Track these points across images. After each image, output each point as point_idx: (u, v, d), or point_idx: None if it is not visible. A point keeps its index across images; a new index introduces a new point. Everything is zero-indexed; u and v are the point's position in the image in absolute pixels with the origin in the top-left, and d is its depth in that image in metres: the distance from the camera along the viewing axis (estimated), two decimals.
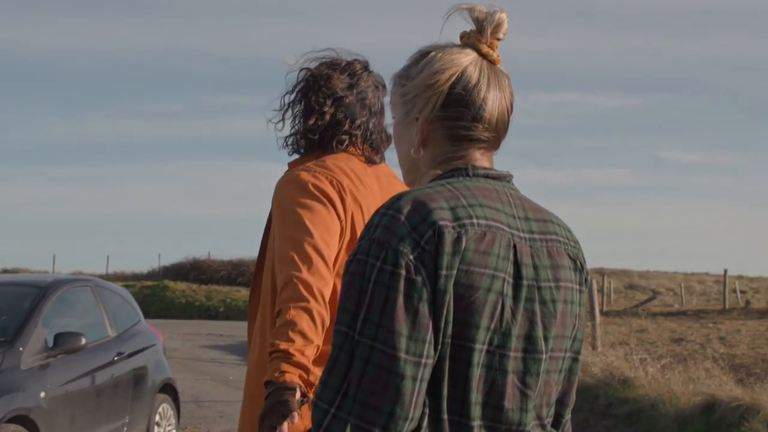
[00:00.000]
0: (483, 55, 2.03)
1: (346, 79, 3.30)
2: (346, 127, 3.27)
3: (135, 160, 67.17)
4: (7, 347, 7.67)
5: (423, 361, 1.80)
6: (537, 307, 1.93)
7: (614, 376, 12.29)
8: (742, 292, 40.48)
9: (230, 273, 45.96)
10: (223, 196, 69.08)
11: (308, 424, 2.85)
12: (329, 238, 3.04)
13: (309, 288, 2.91)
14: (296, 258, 2.95)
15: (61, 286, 8.84)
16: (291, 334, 2.85)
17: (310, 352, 2.86)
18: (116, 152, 65.46)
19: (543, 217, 2.03)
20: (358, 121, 3.28)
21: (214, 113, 65.41)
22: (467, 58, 2.02)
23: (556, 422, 2.05)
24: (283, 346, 2.83)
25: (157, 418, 9.74)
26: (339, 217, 3.09)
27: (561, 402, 2.05)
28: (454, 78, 1.99)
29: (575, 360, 2.06)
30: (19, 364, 7.60)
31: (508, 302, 1.89)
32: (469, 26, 2.05)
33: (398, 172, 3.41)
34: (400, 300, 1.80)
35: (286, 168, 3.30)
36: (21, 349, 7.72)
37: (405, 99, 2.06)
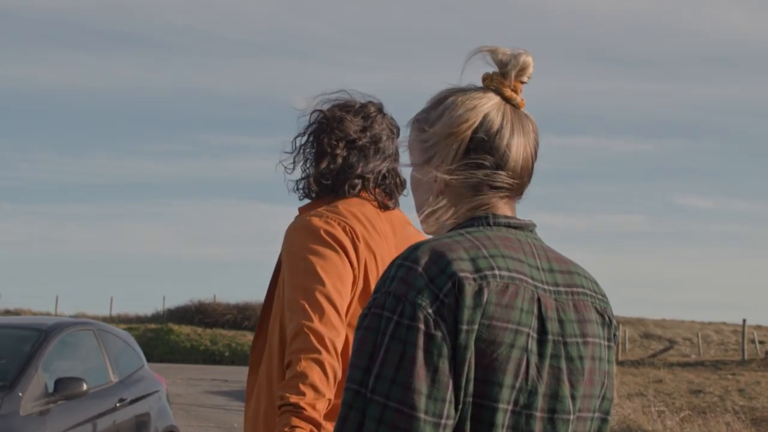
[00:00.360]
0: (506, 99, 1.98)
1: (359, 122, 3.25)
2: (359, 170, 3.21)
3: (140, 200, 67.45)
4: (6, 392, 7.61)
5: (443, 422, 1.73)
6: (563, 364, 1.86)
7: (632, 429, 12.15)
8: (761, 342, 40.24)
9: (236, 317, 45.95)
10: (229, 239, 69.21)
11: None
12: (342, 286, 2.98)
13: (321, 339, 2.85)
14: (307, 307, 2.90)
15: (62, 329, 8.79)
16: (302, 386, 2.78)
17: (322, 406, 2.80)
18: (121, 192, 65.75)
19: (568, 268, 1.97)
20: (371, 165, 3.22)
21: (220, 153, 65.73)
22: (490, 103, 1.96)
23: None
24: (293, 399, 2.77)
25: None
26: (352, 265, 3.03)
27: None
28: (476, 124, 1.94)
29: (604, 421, 1.98)
30: (18, 410, 7.53)
31: (533, 359, 1.81)
32: (492, 68, 2.00)
33: (412, 218, 3.37)
34: (420, 356, 1.73)
35: (297, 213, 3.25)
36: (20, 394, 7.65)
37: (425, 146, 2.00)
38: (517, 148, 1.95)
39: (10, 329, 8.90)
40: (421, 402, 1.71)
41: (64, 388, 7.93)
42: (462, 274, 1.77)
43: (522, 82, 2.00)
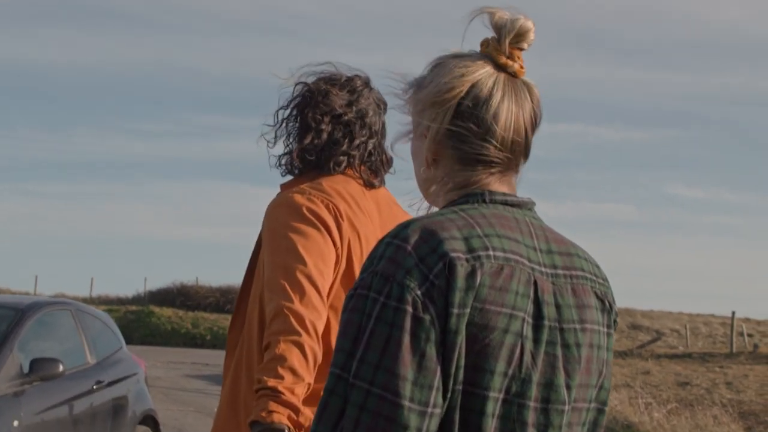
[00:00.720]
0: (500, 67, 1.89)
1: (345, 96, 3.17)
2: (345, 147, 3.13)
3: (123, 179, 67.17)
4: None
5: (429, 410, 1.65)
6: (559, 351, 1.78)
7: (618, 420, 12.15)
8: (749, 335, 40.36)
9: (218, 300, 45.88)
10: (213, 220, 69.07)
11: None
12: (324, 266, 2.90)
13: (301, 320, 2.77)
14: (288, 287, 2.82)
15: (39, 309, 8.72)
16: (280, 370, 2.71)
17: (301, 391, 2.72)
18: (104, 170, 65.43)
19: (568, 250, 1.88)
20: (357, 141, 3.14)
21: (205, 133, 65.47)
22: (480, 71, 1.87)
23: None
24: (271, 383, 2.69)
25: None
26: (335, 245, 2.96)
27: None
28: (463, 93, 1.86)
29: (601, 412, 1.90)
30: None
31: (528, 345, 1.74)
32: (491, 33, 1.91)
33: (398, 197, 3.29)
34: (406, 340, 1.65)
35: (279, 190, 3.16)
36: None
37: (416, 110, 1.93)
38: (506, 118, 1.86)
39: None
40: (407, 389, 1.64)
41: (39, 369, 7.87)
42: (454, 254, 1.70)
43: (520, 49, 1.90)
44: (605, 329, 1.89)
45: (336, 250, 2.96)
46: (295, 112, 3.17)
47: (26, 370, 7.87)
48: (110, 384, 9.13)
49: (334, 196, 3.02)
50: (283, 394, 2.68)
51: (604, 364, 1.88)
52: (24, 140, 65.37)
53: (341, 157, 3.12)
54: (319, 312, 2.83)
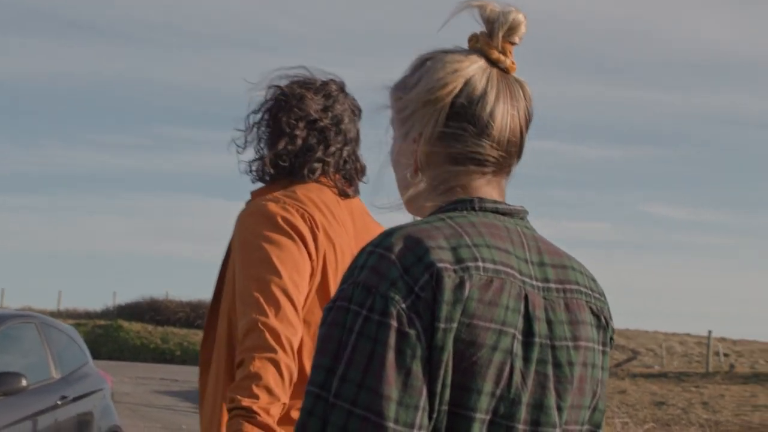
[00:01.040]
0: (493, 62, 1.79)
1: (320, 101, 3.05)
2: (319, 153, 3.01)
3: (92, 192, 66.85)
4: None
5: None
6: (550, 370, 1.68)
7: None
8: (725, 355, 40.46)
9: (188, 315, 45.73)
10: (183, 234, 68.89)
11: None
12: (299, 279, 2.79)
13: (276, 336, 2.66)
14: (262, 301, 2.70)
15: (2, 321, 8.63)
16: (255, 389, 2.59)
17: (276, 411, 2.61)
18: (73, 183, 65.12)
19: (562, 262, 1.78)
20: (332, 148, 3.03)
21: (176, 147, 65.28)
22: (473, 66, 1.78)
23: None
24: (245, 402, 2.58)
25: None
26: (310, 256, 2.84)
27: None
28: (456, 90, 1.76)
29: None
30: None
31: (518, 364, 1.63)
32: (480, 27, 1.82)
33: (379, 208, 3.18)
34: (390, 356, 1.55)
35: (249, 197, 3.05)
36: None
37: (402, 115, 1.82)
38: (502, 116, 1.77)
39: None
40: (391, 409, 1.54)
41: (2, 383, 7.83)
42: (441, 265, 1.60)
43: (512, 43, 1.81)
44: (600, 347, 1.79)
45: (311, 262, 2.85)
46: (267, 117, 3.06)
47: None
48: (75, 399, 9.03)
49: (309, 206, 2.91)
50: (258, 414, 2.58)
51: (599, 384, 1.78)
52: None
53: (315, 164, 3.01)
54: (294, 327, 2.72)
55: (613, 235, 69.15)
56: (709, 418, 18.93)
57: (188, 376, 29.30)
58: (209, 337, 3.03)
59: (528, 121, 1.82)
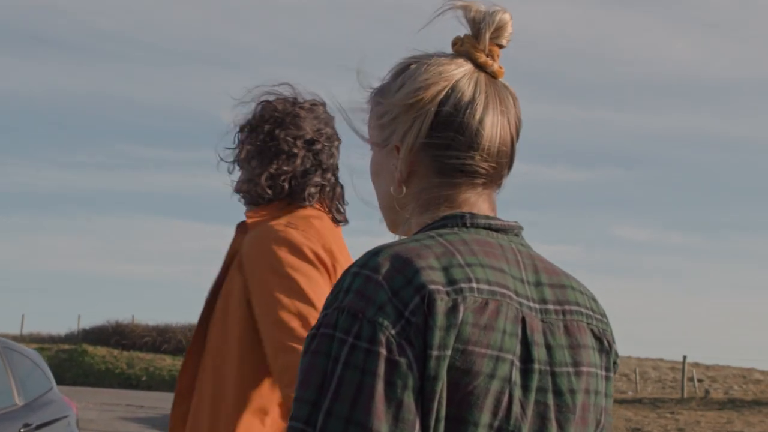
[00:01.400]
0: (480, 66, 1.70)
1: (313, 121, 2.95)
2: (317, 177, 2.91)
3: (56, 212, 66.33)
4: None
5: None
6: (551, 399, 1.58)
7: None
8: (699, 380, 40.53)
9: (155, 339, 45.44)
10: (149, 256, 68.34)
11: None
12: None
13: None
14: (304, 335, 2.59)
15: None
16: None
17: None
18: (35, 203, 64.62)
19: (560, 281, 1.68)
20: (328, 173, 2.94)
21: (141, 166, 64.87)
22: (459, 70, 1.68)
23: None
24: None
25: None
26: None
27: None
28: (442, 95, 1.66)
29: None
30: None
31: (517, 393, 1.54)
32: (464, 30, 1.73)
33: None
34: (380, 388, 1.45)
35: (245, 219, 2.93)
36: None
37: (382, 122, 1.72)
38: (492, 124, 1.67)
39: None
40: None
41: None
42: (433, 287, 1.50)
43: (500, 46, 1.72)
44: (603, 372, 1.70)
45: None
46: (262, 134, 2.94)
47: None
48: (39, 427, 8.86)
49: (328, 237, 2.84)
50: None
51: (603, 412, 1.69)
52: None
53: (314, 189, 2.91)
54: None
55: (583, 259, 69.19)
56: None
57: (155, 402, 29.11)
58: (191, 364, 2.91)
59: (518, 129, 1.73)
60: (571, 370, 1.62)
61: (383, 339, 1.46)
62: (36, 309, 75.11)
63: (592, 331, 1.69)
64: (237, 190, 2.98)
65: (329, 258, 2.79)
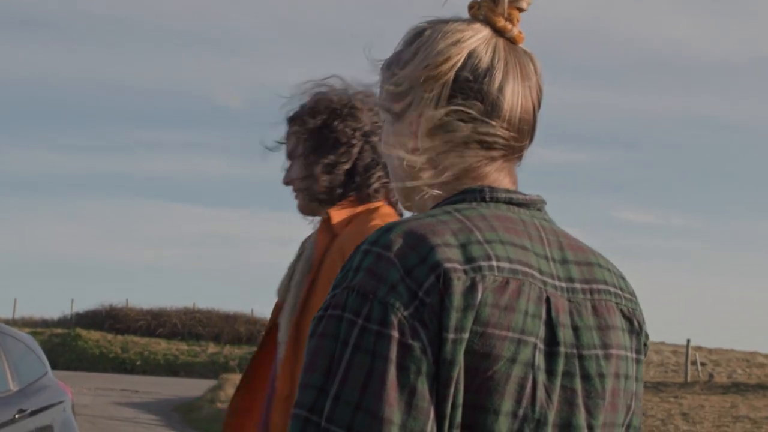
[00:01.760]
0: (498, 31, 1.63)
1: (368, 113, 2.88)
2: (380, 172, 2.85)
3: (49, 195, 66.32)
4: None
5: None
6: (578, 384, 1.51)
7: None
8: (702, 364, 40.56)
9: (149, 323, 45.50)
10: (144, 240, 68.31)
11: None
12: None
13: None
14: None
15: None
16: None
17: None
18: (29, 186, 64.49)
19: (587, 259, 1.62)
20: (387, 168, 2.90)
21: (135, 149, 64.75)
22: (477, 36, 1.61)
23: None
24: None
25: None
26: None
27: None
28: (460, 63, 1.59)
29: None
30: None
31: (541, 378, 1.47)
32: None
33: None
34: (391, 373, 1.38)
35: (326, 215, 2.86)
36: None
37: (397, 92, 1.65)
38: (513, 92, 1.60)
39: None
40: None
41: None
42: (449, 265, 1.43)
43: (519, 9, 1.65)
44: (634, 355, 1.63)
45: None
46: (320, 125, 2.88)
47: None
48: (34, 413, 8.85)
49: None
50: None
51: (633, 397, 1.62)
52: None
53: (377, 184, 2.85)
54: None
55: (584, 241, 69.25)
56: (690, 430, 18.91)
57: (149, 386, 29.13)
58: (267, 355, 2.86)
59: (540, 98, 1.66)
60: (600, 352, 1.55)
61: (395, 321, 1.40)
62: (28, 292, 75.17)
63: (621, 311, 1.62)
64: (288, 183, 2.94)
65: None
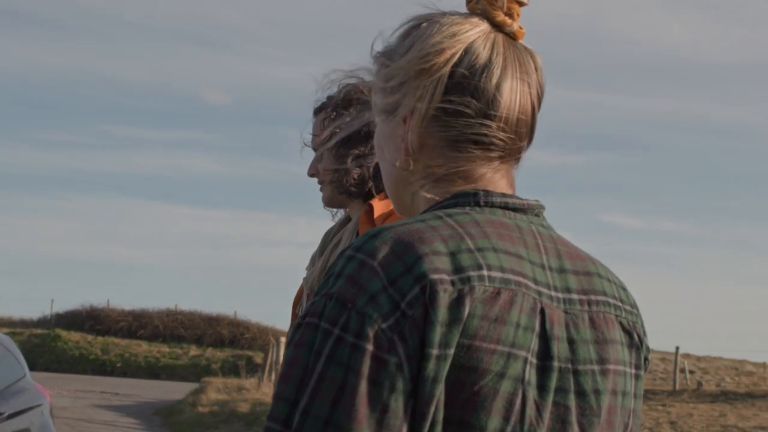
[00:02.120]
0: (497, 26, 1.58)
1: None
2: None
3: (30, 192, 66.10)
4: None
5: None
6: (572, 401, 1.46)
7: None
8: (691, 372, 40.63)
9: (131, 324, 45.42)
10: (126, 239, 68.20)
11: None
12: None
13: None
14: None
15: None
16: None
17: None
18: (12, 182, 64.26)
19: (586, 268, 1.56)
20: None
21: (121, 146, 64.63)
22: (475, 30, 1.56)
23: None
24: None
25: None
26: None
27: None
28: (456, 58, 1.54)
29: None
30: None
31: (531, 394, 1.41)
32: None
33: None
34: (363, 388, 1.33)
35: (368, 208, 2.87)
36: None
37: (389, 86, 1.59)
38: (511, 90, 1.55)
39: None
40: None
41: None
42: (435, 276, 1.37)
43: (520, 3, 1.60)
44: (633, 370, 1.57)
45: None
46: (348, 118, 2.86)
47: None
48: (11, 416, 8.80)
49: None
50: None
51: (631, 414, 1.57)
52: None
53: None
54: None
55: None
56: None
57: (130, 389, 29.06)
58: None
59: (540, 97, 1.61)
60: (596, 367, 1.50)
61: (371, 333, 1.34)
62: (7, 292, 75.05)
63: (620, 323, 1.56)
64: (313, 175, 2.94)
65: None
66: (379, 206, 2.86)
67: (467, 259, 1.41)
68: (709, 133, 66.34)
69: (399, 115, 1.58)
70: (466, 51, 1.54)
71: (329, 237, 3.02)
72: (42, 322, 47.09)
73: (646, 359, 1.61)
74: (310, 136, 2.96)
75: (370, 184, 2.89)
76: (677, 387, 33.95)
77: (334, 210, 3.03)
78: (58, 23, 64.08)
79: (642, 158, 66.05)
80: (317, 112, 2.94)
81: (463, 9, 1.62)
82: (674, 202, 67.76)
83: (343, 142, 2.86)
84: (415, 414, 1.35)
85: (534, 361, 1.43)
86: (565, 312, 1.49)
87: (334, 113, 2.87)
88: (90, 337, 43.80)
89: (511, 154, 1.59)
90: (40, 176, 64.84)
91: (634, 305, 1.62)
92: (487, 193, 1.54)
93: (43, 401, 9.72)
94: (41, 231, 66.84)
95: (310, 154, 2.98)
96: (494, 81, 1.54)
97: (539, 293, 1.46)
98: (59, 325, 45.71)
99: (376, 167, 2.83)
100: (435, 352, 1.35)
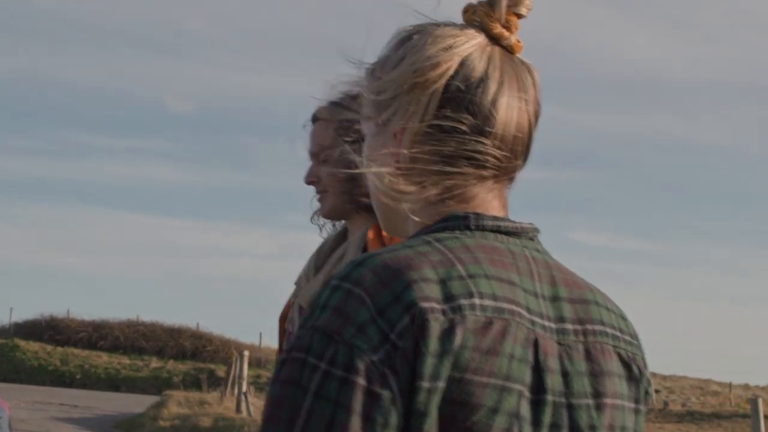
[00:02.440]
0: (494, 38, 1.52)
1: None
2: None
3: None
4: None
5: None
6: None
7: None
8: (657, 391, 40.80)
9: (91, 335, 45.22)
10: (87, 248, 67.89)
11: None
12: None
13: None
14: None
15: None
16: None
17: None
18: None
19: (582, 296, 1.50)
20: None
21: (82, 154, 64.30)
22: (471, 43, 1.50)
23: None
24: None
25: None
26: None
27: None
28: (451, 71, 1.48)
29: None
30: None
31: (526, 430, 1.35)
32: None
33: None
34: (354, 425, 1.26)
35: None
36: None
37: (380, 100, 1.53)
38: (507, 106, 1.49)
39: None
40: None
41: None
42: (425, 305, 1.31)
43: (518, 15, 1.54)
44: (632, 404, 1.50)
45: None
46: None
47: None
48: None
49: None
50: None
51: None
52: None
53: None
54: None
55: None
56: None
57: (90, 401, 28.92)
58: None
59: (537, 114, 1.55)
60: (591, 402, 1.43)
61: (362, 366, 1.28)
62: None
63: (619, 355, 1.50)
64: (311, 183, 2.84)
65: None
66: None
67: (458, 287, 1.35)
68: (672, 150, 66.75)
69: (389, 130, 1.52)
70: (462, 64, 1.49)
71: (326, 251, 2.91)
72: (1, 332, 46.81)
73: (647, 393, 1.54)
74: (308, 143, 2.87)
75: None
76: None
77: (322, 222, 2.92)
78: (11, 26, 63.66)
79: (606, 175, 66.40)
80: (315, 119, 2.86)
81: (459, 19, 1.56)
82: (639, 220, 68.21)
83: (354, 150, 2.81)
84: None
85: (528, 394, 1.36)
86: (558, 343, 1.43)
87: (347, 122, 2.76)
88: (49, 348, 43.60)
89: (506, 173, 1.53)
90: None
91: (634, 335, 1.55)
92: (477, 216, 1.47)
93: (1, 414, 9.60)
94: (0, 239, 66.40)
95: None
96: (490, 96, 1.48)
97: (533, 323, 1.40)
98: (18, 334, 45.46)
99: None
100: (426, 384, 1.29)
